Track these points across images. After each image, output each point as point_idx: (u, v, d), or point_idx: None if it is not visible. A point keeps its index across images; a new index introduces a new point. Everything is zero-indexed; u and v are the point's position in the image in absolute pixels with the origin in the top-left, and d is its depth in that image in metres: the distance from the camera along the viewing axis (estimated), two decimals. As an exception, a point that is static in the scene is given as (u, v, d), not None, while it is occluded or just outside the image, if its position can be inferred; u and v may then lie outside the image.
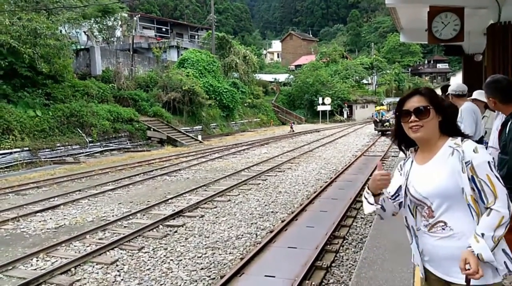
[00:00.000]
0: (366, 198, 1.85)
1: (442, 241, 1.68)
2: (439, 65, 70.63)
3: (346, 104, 44.50)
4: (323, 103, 40.56)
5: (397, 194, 1.87)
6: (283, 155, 16.65)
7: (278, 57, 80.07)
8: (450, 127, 1.75)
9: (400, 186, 1.86)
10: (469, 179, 1.61)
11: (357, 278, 3.38)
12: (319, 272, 4.87)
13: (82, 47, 24.18)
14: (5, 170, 14.03)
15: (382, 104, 37.10)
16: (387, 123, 23.92)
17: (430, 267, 1.78)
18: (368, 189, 1.84)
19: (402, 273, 3.37)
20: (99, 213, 8.12)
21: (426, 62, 73.42)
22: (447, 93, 4.65)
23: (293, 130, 29.69)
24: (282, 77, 50.93)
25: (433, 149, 1.74)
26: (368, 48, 71.48)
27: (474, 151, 1.62)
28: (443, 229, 1.68)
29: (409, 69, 69.59)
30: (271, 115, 40.09)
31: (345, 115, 44.46)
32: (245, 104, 35.88)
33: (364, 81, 54.25)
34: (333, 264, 5.15)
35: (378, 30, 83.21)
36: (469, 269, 1.52)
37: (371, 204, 1.83)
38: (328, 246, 5.66)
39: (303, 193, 9.35)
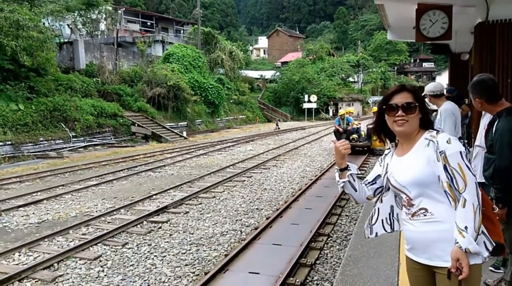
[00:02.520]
0: (335, 176, 2.01)
1: (425, 226, 1.78)
2: (425, 64, 71.76)
3: (332, 102, 44.82)
4: (309, 101, 40.76)
5: (373, 182, 2.01)
6: (268, 152, 16.73)
7: (264, 53, 79.98)
8: (427, 123, 1.88)
9: (378, 175, 2.00)
10: (443, 167, 1.72)
11: (341, 275, 3.45)
12: (304, 269, 4.95)
13: (66, 40, 23.71)
14: (-14, 164, 13.73)
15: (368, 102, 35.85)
16: (355, 136, 14.38)
17: (412, 255, 1.87)
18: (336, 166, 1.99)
19: (387, 270, 3.45)
20: (83, 208, 8.06)
21: (412, 61, 74.44)
22: (423, 94, 4.74)
23: (278, 128, 29.79)
24: (268, 74, 50.95)
25: (411, 142, 1.86)
26: (354, 46, 72.01)
27: (447, 141, 1.75)
28: (424, 215, 1.78)
29: (395, 67, 70.43)
30: (257, 112, 40.10)
31: (331, 113, 44.76)
32: (231, 101, 35.80)
33: (350, 79, 54.69)
34: (317, 262, 5.23)
35: (365, 28, 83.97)
36: (459, 270, 1.63)
37: (339, 180, 1.97)
38: (313, 244, 5.74)
39: (288, 190, 9.44)
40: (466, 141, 4.86)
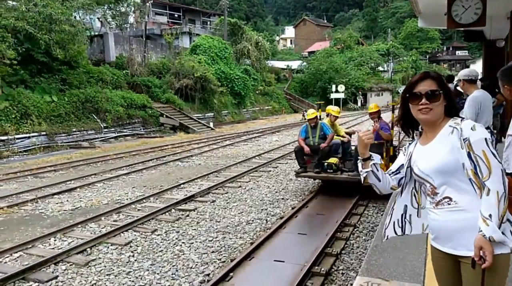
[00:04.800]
0: (358, 166, 1.98)
1: (449, 214, 1.75)
2: (458, 52, 68.87)
3: (360, 92, 43.94)
4: (337, 91, 40.07)
5: (397, 171, 1.98)
6: (294, 142, 16.64)
7: (291, 43, 79.18)
8: (452, 110, 1.83)
9: (402, 165, 1.97)
10: (467, 154, 1.68)
11: (367, 264, 3.41)
12: (329, 258, 4.94)
13: (96, 33, 24.35)
14: (24, 153, 14.39)
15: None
16: (334, 161, 7.66)
17: (437, 245, 1.85)
18: (359, 156, 1.96)
19: (413, 261, 3.38)
20: (114, 196, 8.33)
21: (444, 49, 71.62)
22: (456, 79, 4.57)
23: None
24: (295, 64, 50.42)
25: (436, 130, 1.82)
26: (384, 34, 70.09)
27: (472, 128, 1.70)
28: (448, 204, 1.75)
29: (427, 56, 68.04)
30: (283, 103, 39.90)
31: (359, 104, 43.93)
32: (257, 92, 35.76)
33: (380, 68, 53.36)
34: (343, 251, 5.22)
35: (395, 16, 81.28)
36: (483, 259, 1.59)
37: (362, 170, 1.94)
38: (339, 234, 5.72)
39: (314, 181, 9.39)
40: (495, 131, 4.64)
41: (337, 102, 40.58)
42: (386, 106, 31.39)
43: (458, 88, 4.42)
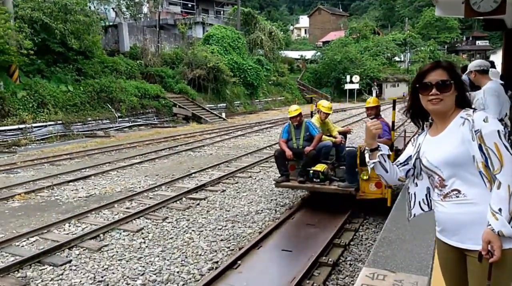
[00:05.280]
0: (365, 156, 1.97)
1: (457, 207, 1.72)
2: (479, 42, 67.01)
3: (375, 83, 43.33)
4: (351, 82, 39.65)
5: (405, 163, 1.96)
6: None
7: (305, 33, 78.30)
8: (464, 101, 1.80)
9: (410, 156, 1.94)
10: (478, 147, 1.65)
11: (374, 256, 3.42)
12: (337, 249, 4.97)
13: (111, 23, 24.50)
14: (41, 141, 14.71)
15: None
16: (321, 168, 6.12)
17: (443, 237, 1.83)
18: (366, 146, 1.95)
19: (422, 253, 3.37)
20: (127, 184, 8.49)
21: (464, 39, 69.79)
22: (467, 71, 4.46)
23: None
24: (308, 54, 49.92)
25: (446, 121, 1.79)
26: (401, 23, 68.50)
27: (484, 120, 1.67)
28: (457, 196, 1.73)
29: (446, 46, 66.46)
30: (296, 93, 39.62)
31: (374, 95, 43.36)
32: (270, 82, 35.60)
33: (396, 58, 52.42)
34: (351, 243, 5.24)
35: (413, 4, 79.30)
36: (491, 253, 1.57)
37: (370, 161, 1.93)
38: (348, 225, 5.74)
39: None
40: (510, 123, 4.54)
41: (351, 93, 40.24)
42: (402, 97, 30.88)
43: (471, 76, 4.30)
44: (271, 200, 7.19)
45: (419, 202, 1.97)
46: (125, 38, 23.85)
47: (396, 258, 3.34)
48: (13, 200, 7.25)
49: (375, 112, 6.00)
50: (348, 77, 39.75)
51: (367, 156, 1.96)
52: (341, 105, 34.72)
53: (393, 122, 5.68)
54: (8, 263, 4.54)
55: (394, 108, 5.55)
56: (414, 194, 1.98)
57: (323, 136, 6.50)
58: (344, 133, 7.21)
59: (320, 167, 6.12)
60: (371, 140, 1.91)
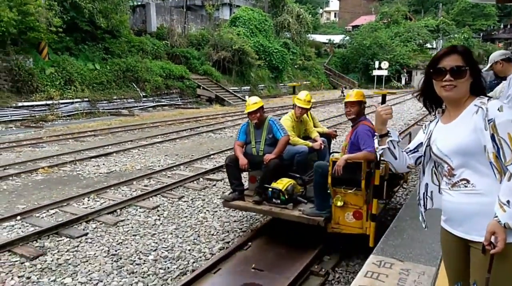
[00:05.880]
0: (374, 142, 1.96)
1: (465, 197, 1.68)
2: (518, 30, 63.65)
3: (405, 70, 42.04)
4: (380, 68, 38.60)
5: (415, 150, 1.93)
6: (329, 119, 16.36)
7: (335, 17, 76.38)
8: (479, 89, 1.72)
9: (421, 143, 1.90)
10: (490, 137, 1.59)
11: (382, 244, 3.36)
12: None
13: (138, 3, 24.63)
14: (68, 118, 15.13)
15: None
16: (286, 184, 4.39)
17: (448, 227, 1.79)
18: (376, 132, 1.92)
19: (432, 244, 3.27)
20: (147, 162, 8.62)
21: (502, 26, 66.39)
22: (490, 64, 4.19)
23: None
24: (337, 39, 48.84)
25: (459, 108, 1.72)
26: (435, 9, 65.81)
27: (499, 109, 1.59)
28: (465, 186, 1.68)
29: (481, 34, 63.47)
30: (322, 78, 39.03)
31: (403, 82, 42.09)
32: (295, 66, 35.15)
33: (428, 45, 50.54)
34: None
35: (449, -11, 76.03)
36: (493, 244, 1.52)
37: (379, 147, 1.90)
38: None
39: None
40: None
41: (379, 79, 39.28)
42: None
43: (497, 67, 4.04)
44: (288, 184, 7.13)
45: (418, 201, 1.97)
46: (152, 18, 23.96)
47: (405, 247, 3.26)
48: (36, 173, 7.50)
49: (356, 110, 4.01)
50: (376, 63, 38.71)
51: (376, 142, 1.93)
52: (368, 92, 33.84)
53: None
54: (27, 233, 4.70)
55: (384, 101, 3.84)
56: (418, 187, 1.97)
57: (296, 139, 4.92)
58: (329, 136, 5.53)
59: (281, 184, 4.39)
60: (381, 125, 1.88)
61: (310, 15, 40.93)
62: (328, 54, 44.94)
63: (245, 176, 5.05)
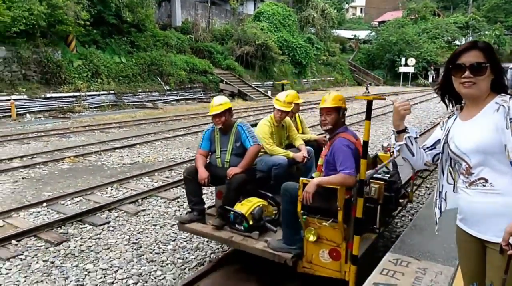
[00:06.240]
0: (391, 138, 1.91)
1: (482, 197, 1.64)
2: (552, 27, 60.86)
3: (432, 67, 40.94)
4: (406, 65, 37.79)
5: (433, 147, 1.89)
6: (352, 116, 16.13)
7: (361, 12, 75.06)
8: (501, 86, 1.67)
9: (439, 140, 1.86)
10: (511, 135, 1.54)
11: (400, 242, 3.30)
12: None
13: (164, -3, 24.89)
14: (94, 109, 15.52)
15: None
16: (252, 206, 3.53)
17: (464, 226, 1.75)
18: (393, 128, 1.88)
19: (452, 244, 3.20)
20: (169, 154, 8.76)
21: (537, 23, 63.61)
22: None
23: (368, 92, 28.44)
24: (362, 34, 48.01)
25: (479, 105, 1.67)
26: (465, 5, 63.65)
27: None
28: (483, 185, 1.64)
29: (514, 31, 61.01)
30: (347, 74, 38.51)
31: (430, 79, 40.99)
32: (319, 62, 34.80)
33: (457, 42, 48.94)
34: (385, 229, 5.06)
35: (480, -15, 73.34)
36: (511, 245, 1.48)
37: (396, 143, 1.86)
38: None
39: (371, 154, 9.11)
40: None
41: (405, 76, 38.42)
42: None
43: None
44: (307, 179, 7.11)
45: (434, 203, 1.93)
46: (177, 13, 24.18)
47: (423, 246, 3.20)
48: (63, 162, 7.75)
49: (333, 119, 3.15)
50: (403, 59, 37.92)
51: (392, 138, 1.89)
52: (394, 89, 33.29)
53: (365, 143, 2.82)
54: (52, 219, 4.88)
55: (369, 117, 2.83)
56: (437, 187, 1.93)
57: (274, 148, 4.10)
58: (317, 145, 4.52)
59: (247, 206, 3.53)
60: (399, 121, 1.83)
61: (335, 10, 40.42)
62: (353, 50, 44.28)
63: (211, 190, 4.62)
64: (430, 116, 16.82)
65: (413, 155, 1.84)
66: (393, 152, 2.52)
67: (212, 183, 3.89)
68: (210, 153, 4.02)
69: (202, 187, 3.85)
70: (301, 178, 3.05)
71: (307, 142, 4.52)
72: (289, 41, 28.68)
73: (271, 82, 26.55)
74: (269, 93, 23.89)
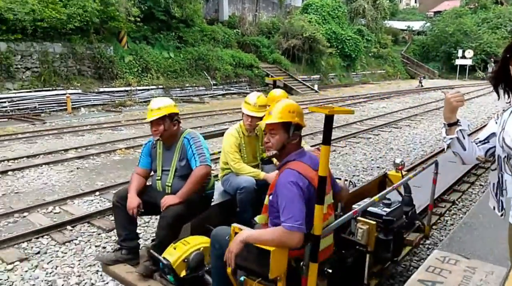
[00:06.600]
0: (442, 132, 1.82)
1: None
2: None
3: (492, 59, 38.16)
4: (463, 57, 35.60)
5: (486, 141, 1.79)
6: (403, 110, 15.50)
7: (415, 2, 71.59)
8: None
9: (493, 133, 1.75)
10: None
11: (449, 240, 3.13)
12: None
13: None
14: (144, 103, 16.12)
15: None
16: (174, 261, 2.52)
17: None
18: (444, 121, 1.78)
19: (504, 243, 2.98)
20: (214, 148, 8.85)
21: None
22: None
23: (421, 85, 27.16)
24: (416, 25, 45.84)
25: None
26: (533, -9, 58.66)
27: None
28: None
29: None
30: (399, 67, 37.00)
31: (490, 71, 38.35)
32: (370, 54, 33.71)
33: (521, 32, 45.35)
34: (433, 226, 4.81)
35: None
36: None
37: (446, 136, 1.77)
38: (433, 209, 5.26)
39: (418, 152, 8.71)
40: None
41: (462, 69, 36.22)
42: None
43: None
44: (353, 175, 6.90)
45: (490, 193, 1.83)
46: (225, 7, 24.45)
47: (474, 244, 3.02)
48: (114, 154, 8.13)
49: (280, 141, 2.19)
50: (460, 51, 35.73)
51: (443, 131, 1.78)
52: (449, 82, 31.53)
53: (322, 180, 1.84)
54: (104, 207, 5.13)
55: (327, 140, 1.81)
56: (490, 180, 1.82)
57: (241, 167, 3.25)
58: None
59: (181, 249, 2.59)
60: (451, 113, 1.73)
61: (388, 1, 38.86)
62: (406, 42, 42.44)
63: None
64: (488, 111, 15.74)
65: (464, 149, 1.74)
66: (406, 172, 2.34)
67: (151, 212, 3.00)
68: (149, 173, 3.05)
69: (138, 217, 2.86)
70: (232, 224, 2.18)
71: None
72: (338, 33, 28.02)
73: (319, 76, 26.15)
74: (316, 87, 23.54)
